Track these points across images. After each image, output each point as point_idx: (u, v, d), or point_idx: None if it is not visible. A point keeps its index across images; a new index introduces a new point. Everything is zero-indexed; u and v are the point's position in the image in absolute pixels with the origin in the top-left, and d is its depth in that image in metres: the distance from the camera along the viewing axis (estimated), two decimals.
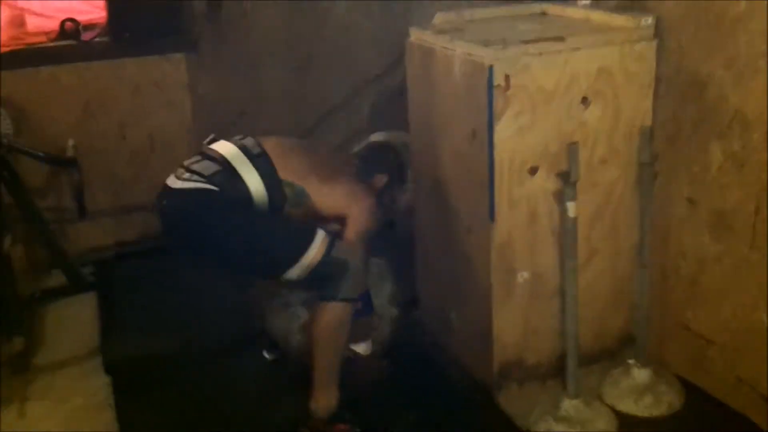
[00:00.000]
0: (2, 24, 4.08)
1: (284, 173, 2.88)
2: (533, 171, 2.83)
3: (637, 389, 2.94)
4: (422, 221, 3.42)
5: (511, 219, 2.86)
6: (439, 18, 3.18)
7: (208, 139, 3.04)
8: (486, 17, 3.28)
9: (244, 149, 2.91)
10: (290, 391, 3.12)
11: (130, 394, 3.17)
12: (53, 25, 4.23)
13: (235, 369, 3.34)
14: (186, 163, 2.92)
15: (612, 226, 3.01)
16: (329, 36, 4.47)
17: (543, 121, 2.78)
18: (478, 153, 2.82)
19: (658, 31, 2.86)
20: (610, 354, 3.16)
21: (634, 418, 2.88)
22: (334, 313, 2.83)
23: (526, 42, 2.76)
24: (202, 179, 2.82)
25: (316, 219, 2.91)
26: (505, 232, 2.87)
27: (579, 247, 2.81)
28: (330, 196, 2.94)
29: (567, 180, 2.71)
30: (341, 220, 2.94)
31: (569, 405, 2.84)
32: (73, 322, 3.71)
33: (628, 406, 2.92)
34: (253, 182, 2.84)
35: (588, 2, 3.15)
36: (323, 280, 2.81)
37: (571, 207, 2.72)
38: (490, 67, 2.67)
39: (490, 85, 2.69)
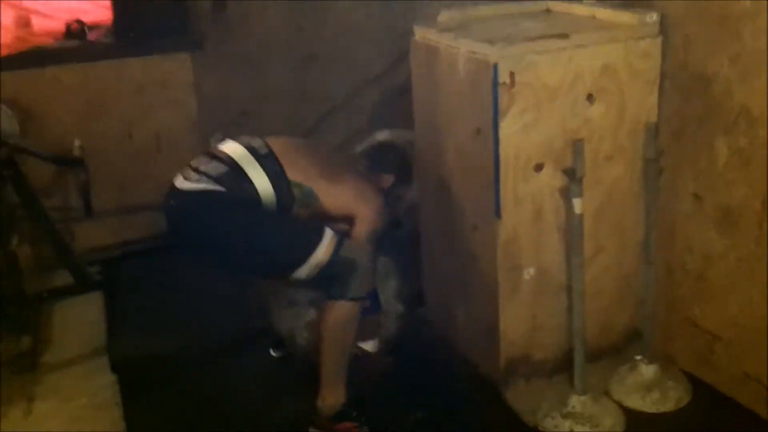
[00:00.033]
0: (9, 25, 4.09)
1: (292, 174, 2.87)
2: (539, 168, 2.83)
3: (644, 385, 2.95)
4: (427, 219, 3.42)
5: (516, 216, 2.86)
6: (444, 16, 3.18)
7: (214, 139, 3.04)
8: (490, 15, 3.28)
9: (251, 150, 2.90)
10: (296, 388, 3.12)
11: (136, 393, 3.17)
12: (58, 25, 4.25)
13: (241, 367, 3.34)
14: (193, 163, 2.91)
15: (618, 222, 3.01)
16: (331, 35, 4.48)
17: (548, 118, 2.78)
18: (483, 150, 2.83)
19: (663, 28, 2.86)
20: (617, 350, 3.16)
21: (641, 414, 2.89)
22: (342, 311, 2.83)
23: (531, 39, 2.77)
24: (209, 180, 2.81)
25: (323, 219, 2.90)
26: (511, 228, 2.87)
27: (585, 244, 2.81)
28: (338, 196, 2.93)
29: (572, 176, 2.71)
30: (349, 219, 2.94)
31: (576, 401, 2.85)
32: (80, 321, 3.72)
33: (635, 402, 2.92)
34: (261, 183, 2.83)
35: None
36: (331, 279, 2.81)
37: (577, 203, 2.72)
38: (495, 65, 2.68)
39: (495, 83, 2.69)
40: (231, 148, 2.93)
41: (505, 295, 2.94)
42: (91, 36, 4.22)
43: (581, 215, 2.74)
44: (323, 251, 2.77)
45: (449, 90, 3.01)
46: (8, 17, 4.12)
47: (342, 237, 2.83)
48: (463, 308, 3.25)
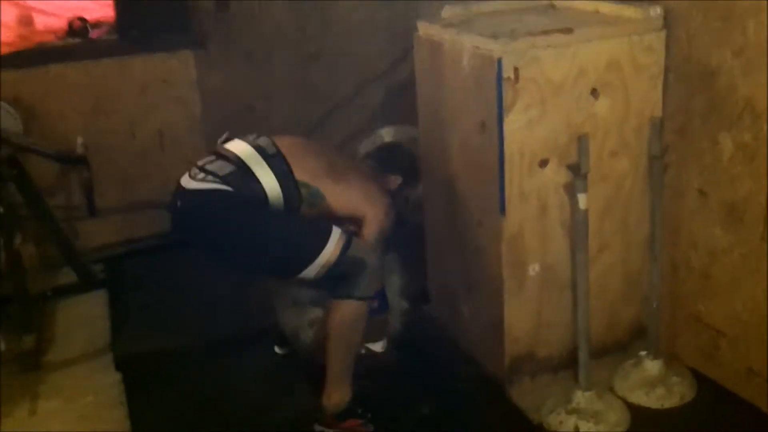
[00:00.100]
0: (11, 23, 4.09)
1: (299, 174, 2.85)
2: (543, 164, 2.82)
3: (648, 381, 2.94)
4: (432, 215, 3.42)
5: (521, 212, 2.85)
6: (447, 11, 3.18)
7: (222, 138, 3.02)
8: (494, 10, 3.27)
9: (259, 149, 2.88)
10: (301, 386, 3.12)
11: (141, 391, 3.17)
12: (61, 23, 4.24)
13: (246, 364, 3.34)
14: (200, 162, 2.89)
15: (622, 218, 3.01)
16: (335, 32, 4.48)
17: (552, 113, 2.78)
18: (487, 146, 2.82)
19: (667, 22, 2.85)
20: (622, 346, 3.16)
21: (646, 410, 2.88)
22: (349, 310, 2.83)
23: (535, 34, 2.76)
24: (216, 179, 2.79)
25: (330, 219, 2.90)
26: (516, 225, 2.86)
27: (590, 240, 2.81)
28: (345, 197, 2.92)
29: (577, 172, 2.70)
30: (355, 220, 2.93)
31: (581, 397, 2.84)
32: (84, 319, 3.72)
33: (640, 398, 2.91)
34: (269, 182, 2.81)
35: None
36: (339, 279, 2.80)
37: (582, 199, 2.71)
38: (499, 60, 2.67)
39: (499, 78, 2.68)
40: (238, 147, 2.91)
41: (509, 292, 2.94)
42: (94, 34, 4.22)
43: (586, 211, 2.74)
44: (331, 250, 2.76)
45: (453, 85, 3.00)
46: (10, 15, 4.12)
47: (350, 236, 2.82)
48: (467, 305, 3.25)
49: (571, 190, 2.81)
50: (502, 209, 2.83)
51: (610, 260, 3.04)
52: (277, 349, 3.37)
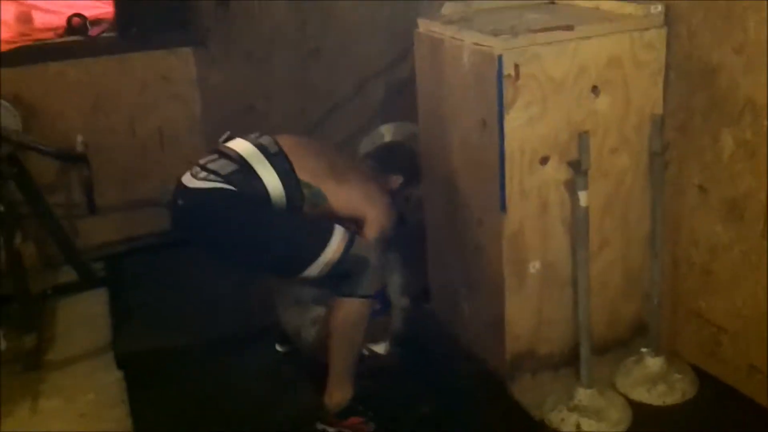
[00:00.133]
0: (10, 21, 4.09)
1: (301, 173, 2.85)
2: (544, 161, 2.82)
3: (650, 378, 2.94)
4: (433, 213, 3.42)
5: (522, 209, 2.85)
6: (448, 8, 3.18)
7: (223, 137, 3.01)
8: (494, 7, 3.27)
9: (261, 148, 2.87)
10: (303, 384, 3.12)
11: (142, 389, 3.17)
12: (60, 21, 4.24)
13: (248, 363, 3.33)
14: (202, 161, 2.88)
15: (623, 215, 3.01)
16: (336, 31, 4.47)
17: (553, 110, 2.78)
18: (488, 143, 2.82)
19: (668, 19, 2.85)
20: (623, 343, 3.16)
21: (647, 407, 2.88)
22: (352, 309, 2.83)
23: (536, 31, 2.75)
24: (219, 178, 2.79)
25: (330, 219, 2.89)
26: (517, 222, 2.86)
27: (590, 237, 2.81)
28: (347, 198, 2.91)
29: (578, 169, 2.70)
30: (356, 220, 2.93)
31: (583, 394, 2.84)
32: (85, 317, 3.72)
33: (642, 395, 2.91)
34: (271, 181, 2.81)
35: None
36: (342, 277, 2.80)
37: (582, 196, 2.71)
38: (500, 57, 2.67)
39: (500, 75, 2.68)
40: (240, 146, 2.90)
41: (510, 289, 2.94)
42: (93, 31, 4.21)
43: (587, 208, 2.73)
44: (334, 249, 2.75)
45: (454, 82, 3.00)
46: (10, 13, 4.11)
47: (353, 234, 2.82)
48: (468, 303, 3.25)
49: (571, 188, 2.81)
50: (503, 207, 2.83)
51: (611, 257, 3.04)
52: (278, 347, 3.36)
